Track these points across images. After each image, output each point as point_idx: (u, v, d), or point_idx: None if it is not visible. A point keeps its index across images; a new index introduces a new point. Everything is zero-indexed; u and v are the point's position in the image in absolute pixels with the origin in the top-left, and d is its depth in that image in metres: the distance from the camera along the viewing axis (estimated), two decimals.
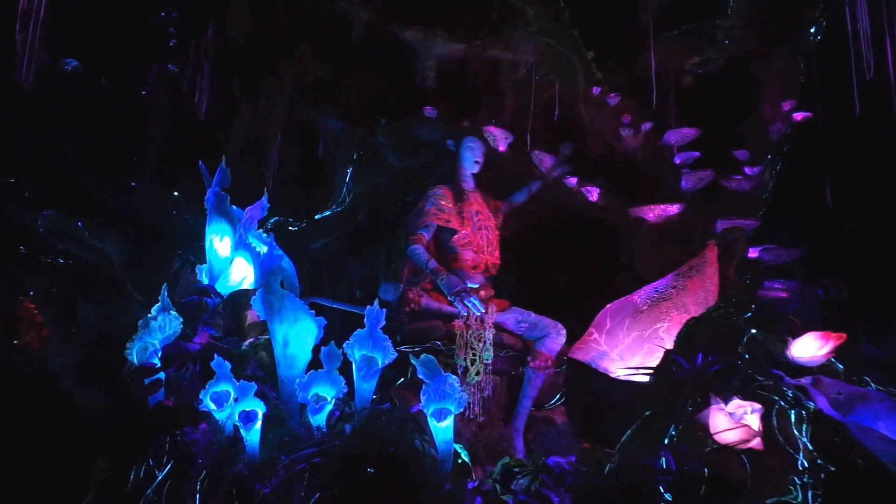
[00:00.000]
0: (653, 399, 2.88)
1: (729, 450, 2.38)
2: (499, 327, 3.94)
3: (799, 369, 2.76)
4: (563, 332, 3.93)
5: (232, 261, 3.19)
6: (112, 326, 3.87)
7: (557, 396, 4.27)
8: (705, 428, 2.52)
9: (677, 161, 4.70)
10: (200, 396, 2.50)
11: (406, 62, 4.94)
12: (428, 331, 3.78)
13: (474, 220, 4.13)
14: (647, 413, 2.73)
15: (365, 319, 2.84)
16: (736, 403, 2.49)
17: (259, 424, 2.42)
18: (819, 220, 3.97)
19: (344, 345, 2.72)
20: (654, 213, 4.52)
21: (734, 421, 2.39)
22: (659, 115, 4.70)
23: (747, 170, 4.34)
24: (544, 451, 3.98)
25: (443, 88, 5.17)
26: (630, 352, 3.60)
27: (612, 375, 3.79)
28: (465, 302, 3.51)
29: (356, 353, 2.70)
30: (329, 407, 2.55)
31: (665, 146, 4.72)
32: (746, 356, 2.89)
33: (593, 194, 4.98)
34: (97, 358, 3.54)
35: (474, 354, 3.75)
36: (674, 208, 4.45)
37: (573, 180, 5.04)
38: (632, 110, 4.74)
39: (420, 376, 2.69)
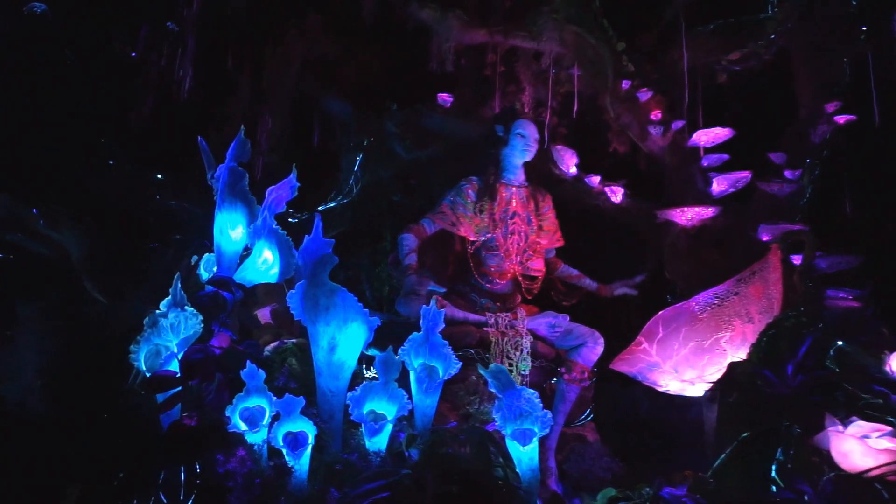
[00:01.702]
0: (740, 419, 2.54)
1: (861, 479, 2.05)
2: (531, 334, 3.54)
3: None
4: (601, 340, 3.56)
5: (250, 249, 2.67)
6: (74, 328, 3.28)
7: (587, 412, 3.91)
8: (824, 454, 2.19)
9: (704, 163, 4.45)
10: (227, 414, 1.99)
11: (420, 45, 4.53)
12: (460, 337, 3.33)
13: (507, 222, 3.68)
14: (745, 436, 2.38)
15: (421, 321, 2.39)
16: (859, 426, 2.17)
17: (309, 450, 1.93)
18: (866, 226, 3.78)
19: (399, 351, 2.27)
20: (686, 215, 4.23)
21: (866, 446, 2.06)
22: (691, 113, 4.46)
23: (787, 173, 4.11)
24: (580, 473, 3.61)
25: (458, 76, 4.79)
26: (687, 363, 3.26)
27: (660, 389, 3.45)
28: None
29: (415, 362, 2.25)
30: (389, 427, 2.07)
31: (694, 146, 4.46)
32: (837, 371, 2.59)
33: (617, 195, 4.68)
34: (51, 366, 2.94)
35: (510, 364, 3.34)
36: (709, 211, 4.18)
37: (595, 179, 4.73)
38: (662, 107, 4.47)
39: (492, 389, 2.26)
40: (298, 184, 2.65)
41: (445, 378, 2.28)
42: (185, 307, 2.18)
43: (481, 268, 3.61)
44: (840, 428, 2.21)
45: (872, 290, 3.01)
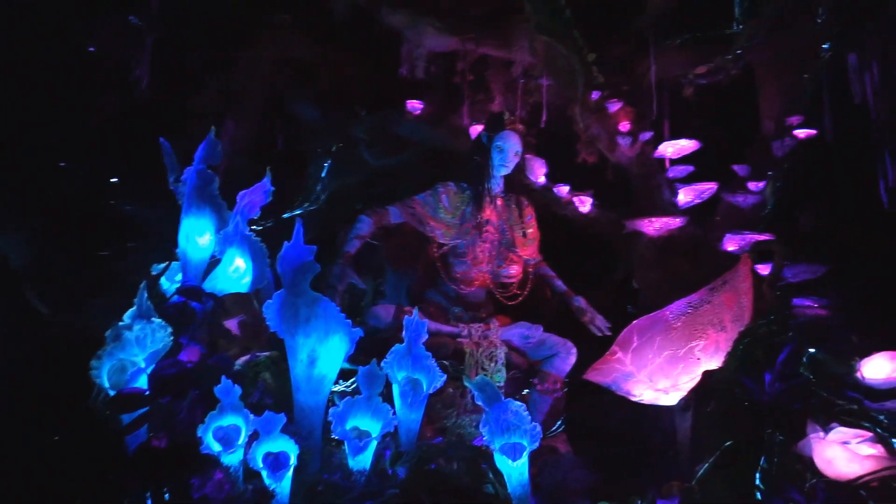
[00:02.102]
0: (720, 427, 2.54)
1: (847, 485, 2.06)
2: (505, 344, 3.48)
3: (875, 392, 2.52)
4: (574, 351, 3.52)
5: (218, 256, 2.53)
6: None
7: (559, 423, 3.87)
8: (807, 461, 2.20)
9: (670, 174, 4.52)
10: (199, 434, 1.85)
11: (391, 50, 4.46)
12: (435, 349, 3.23)
13: (481, 230, 3.60)
14: (728, 444, 2.38)
15: (403, 332, 2.30)
16: (841, 432, 2.19)
17: (291, 471, 1.81)
18: (826, 236, 3.89)
19: (382, 364, 2.17)
20: (654, 225, 4.28)
21: (851, 452, 2.08)
22: (659, 125, 4.52)
23: (751, 185, 4.21)
24: (554, 486, 3.56)
25: (429, 83, 4.73)
26: (661, 373, 3.26)
27: (634, 399, 3.44)
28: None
29: (398, 375, 2.16)
30: (373, 445, 1.97)
31: (660, 158, 4.53)
32: (812, 378, 2.63)
33: (586, 204, 4.70)
34: None
35: (486, 376, 3.27)
36: (676, 221, 4.24)
37: (564, 189, 4.75)
38: (631, 118, 4.52)
39: (478, 402, 2.19)
40: (273, 188, 2.53)
41: (430, 391, 2.19)
42: (152, 318, 2.03)
43: (450, 273, 3.53)
44: (821, 434, 2.22)
45: (838, 298, 3.08)
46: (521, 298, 3.59)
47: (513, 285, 3.60)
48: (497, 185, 3.63)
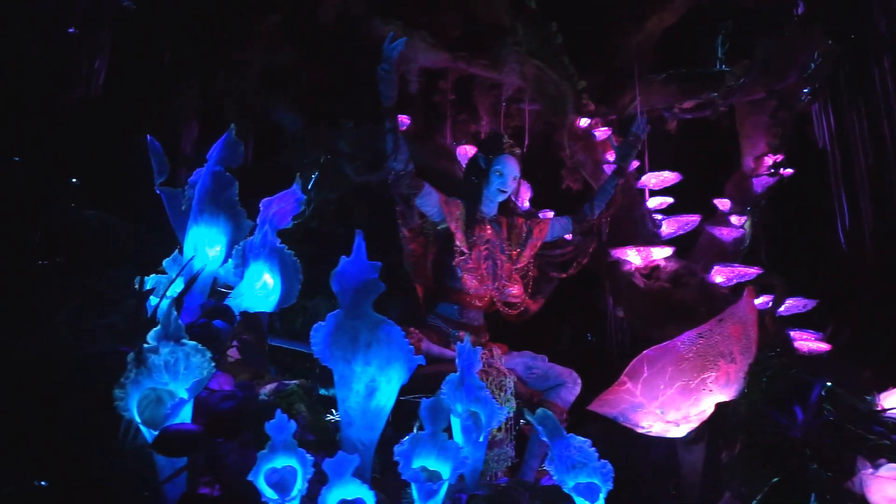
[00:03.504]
0: (756, 462, 2.49)
1: None
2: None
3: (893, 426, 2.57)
4: (579, 381, 3.42)
5: (237, 269, 2.23)
6: None
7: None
8: (858, 498, 2.17)
9: (648, 205, 4.59)
10: (250, 478, 1.56)
11: (379, 61, 4.26)
12: (440, 377, 3.04)
13: (481, 247, 3.46)
14: (776, 481, 2.32)
15: (456, 360, 2.09)
16: (894, 468, 2.18)
17: None
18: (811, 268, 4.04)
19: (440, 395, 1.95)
20: (641, 255, 4.30)
21: None
22: (641, 156, 4.57)
23: (733, 219, 4.33)
24: None
25: (415, 99, 4.57)
26: (672, 404, 3.20)
27: (641, 430, 3.36)
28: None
29: (457, 407, 1.95)
30: (445, 487, 1.74)
31: (641, 189, 4.59)
32: (836, 413, 2.65)
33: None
34: None
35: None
36: (663, 251, 4.28)
37: (549, 214, 4.70)
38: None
39: (543, 438, 2.02)
40: (304, 196, 2.26)
41: (494, 426, 1.99)
42: (183, 340, 1.71)
43: (456, 293, 3.33)
44: (870, 471, 2.21)
45: (840, 332, 3.17)
46: (521, 312, 3.47)
47: (518, 305, 3.47)
48: (491, 209, 3.50)
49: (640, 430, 3.40)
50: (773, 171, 4.22)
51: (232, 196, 2.28)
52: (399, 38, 4.25)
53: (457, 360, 2.09)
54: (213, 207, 2.27)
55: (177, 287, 2.24)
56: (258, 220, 2.25)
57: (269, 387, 2.08)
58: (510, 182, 3.37)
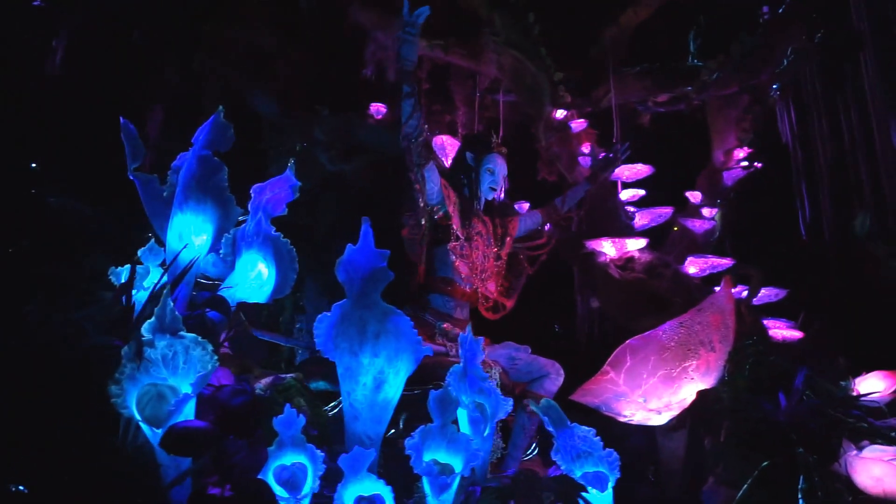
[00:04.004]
0: (743, 448, 2.54)
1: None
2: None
3: (876, 410, 2.67)
4: (562, 372, 3.44)
5: (226, 259, 2.13)
6: None
7: (534, 445, 3.76)
8: (845, 480, 2.24)
9: (621, 197, 4.65)
10: (260, 476, 1.48)
11: (356, 49, 4.18)
12: (431, 369, 2.99)
13: (474, 238, 3.43)
14: (765, 465, 2.37)
15: (459, 350, 2.05)
16: (878, 450, 2.26)
17: None
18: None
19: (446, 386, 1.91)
20: (616, 246, 4.34)
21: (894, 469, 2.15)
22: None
23: (704, 211, 4.42)
24: None
25: (391, 87, 4.48)
26: (655, 393, 3.24)
27: (622, 419, 3.40)
28: None
29: (464, 398, 1.91)
30: (458, 481, 1.70)
31: (614, 180, 4.64)
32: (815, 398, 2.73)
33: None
34: None
35: None
36: (637, 242, 4.33)
37: (524, 206, 4.70)
38: (592, 139, 4.58)
39: (548, 428, 2.00)
40: (298, 182, 2.17)
41: (502, 417, 1.96)
42: (181, 333, 1.62)
43: (447, 283, 3.30)
44: (854, 453, 2.28)
45: (814, 320, 3.27)
46: (496, 308, 3.47)
47: (491, 300, 3.46)
48: (481, 205, 3.49)
49: (622, 419, 3.44)
50: (744, 164, 4.31)
51: (221, 182, 2.16)
52: (377, 24, 4.16)
53: (459, 351, 2.05)
54: (199, 194, 2.15)
55: (153, 278, 2.13)
56: (250, 207, 2.15)
57: (265, 381, 1.99)
58: (500, 181, 3.38)
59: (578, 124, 4.47)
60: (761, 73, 3.91)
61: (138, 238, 3.35)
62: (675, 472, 3.37)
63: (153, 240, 2.72)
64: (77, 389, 1.53)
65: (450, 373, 1.98)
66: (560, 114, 4.51)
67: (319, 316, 1.79)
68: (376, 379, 1.75)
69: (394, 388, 1.79)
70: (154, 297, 2.14)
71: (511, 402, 2.08)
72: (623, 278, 4.25)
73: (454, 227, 3.17)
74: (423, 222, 3.16)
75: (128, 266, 2.61)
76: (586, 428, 2.03)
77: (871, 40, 3.37)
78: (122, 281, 2.51)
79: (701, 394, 3.07)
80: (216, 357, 1.59)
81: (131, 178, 2.58)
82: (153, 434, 1.43)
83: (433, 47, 4.37)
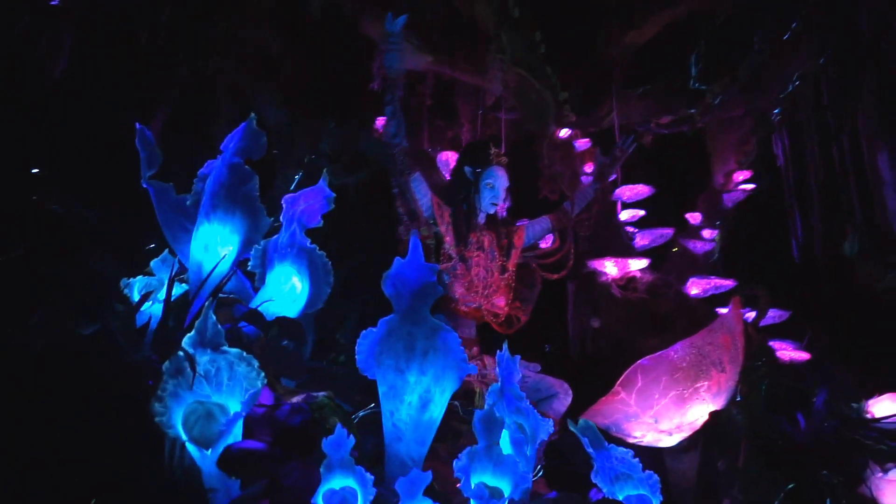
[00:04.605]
0: (763, 468, 2.54)
1: None
2: None
3: (887, 432, 2.69)
4: (571, 392, 3.40)
5: (256, 270, 2.05)
6: None
7: (539, 467, 3.71)
8: (870, 501, 2.24)
9: (621, 217, 4.67)
10: (312, 501, 1.41)
11: (362, 60, 4.13)
12: None
13: (474, 254, 3.38)
14: (791, 487, 2.37)
15: (497, 370, 2.01)
16: None
17: None
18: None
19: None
20: (618, 266, 4.36)
21: None
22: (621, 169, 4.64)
23: (704, 232, 4.46)
24: None
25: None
26: (666, 413, 3.23)
27: (633, 440, 3.37)
28: None
29: (507, 419, 1.86)
30: None
31: (615, 201, 4.66)
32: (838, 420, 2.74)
33: (547, 241, 4.67)
34: None
35: None
36: (639, 262, 4.36)
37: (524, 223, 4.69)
38: (595, 159, 4.60)
39: (588, 450, 1.96)
40: (333, 193, 2.11)
41: (539, 440, 1.92)
42: (223, 348, 1.54)
43: (443, 300, 3.25)
44: (880, 475, 2.29)
45: (819, 341, 3.30)
46: (511, 322, 3.42)
47: (501, 315, 3.42)
48: (482, 219, 3.45)
49: (631, 440, 3.41)
50: (743, 187, 4.38)
51: (251, 191, 2.10)
52: (384, 35, 4.12)
53: (497, 370, 2.01)
54: (228, 203, 2.09)
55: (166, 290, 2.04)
56: (283, 219, 2.09)
57: (296, 399, 1.91)
58: (502, 195, 3.32)
59: (582, 143, 4.49)
60: (766, 96, 3.99)
61: (143, 244, 3.24)
62: (686, 493, 3.35)
63: (166, 250, 2.63)
64: (116, 407, 1.44)
65: (489, 392, 1.93)
66: (564, 132, 4.52)
67: (363, 332, 1.73)
68: (422, 398, 1.70)
69: (439, 408, 1.74)
70: (174, 308, 2.06)
71: (551, 422, 2.03)
72: (625, 298, 4.26)
73: (446, 245, 3.12)
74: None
75: (141, 278, 2.51)
76: (623, 449, 2.00)
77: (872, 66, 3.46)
78: (135, 293, 2.42)
79: (713, 415, 3.07)
80: (263, 373, 1.52)
81: (145, 185, 2.50)
82: (202, 455, 1.35)
83: (439, 63, 4.36)
